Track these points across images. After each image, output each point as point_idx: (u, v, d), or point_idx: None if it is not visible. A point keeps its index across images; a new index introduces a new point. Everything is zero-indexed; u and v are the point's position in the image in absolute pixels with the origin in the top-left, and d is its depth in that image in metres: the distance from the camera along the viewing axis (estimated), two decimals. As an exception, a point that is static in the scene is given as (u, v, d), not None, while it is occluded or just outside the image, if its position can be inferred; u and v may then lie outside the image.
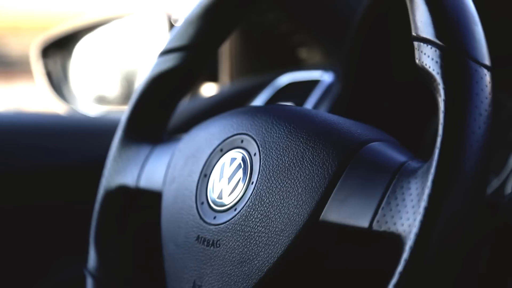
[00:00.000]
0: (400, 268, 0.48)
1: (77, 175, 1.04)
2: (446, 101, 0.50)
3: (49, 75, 1.37)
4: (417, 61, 0.53)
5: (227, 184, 0.61)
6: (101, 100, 1.40)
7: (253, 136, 0.61)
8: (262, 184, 0.58)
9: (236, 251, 0.58)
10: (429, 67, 0.52)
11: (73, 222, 1.00)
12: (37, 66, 1.37)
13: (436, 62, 0.51)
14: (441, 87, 0.51)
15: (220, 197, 0.61)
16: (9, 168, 1.01)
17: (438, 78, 0.51)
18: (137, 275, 0.72)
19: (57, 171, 1.04)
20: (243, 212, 0.58)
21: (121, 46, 1.37)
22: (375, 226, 0.51)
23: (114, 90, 1.39)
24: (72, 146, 1.07)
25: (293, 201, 0.56)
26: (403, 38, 0.74)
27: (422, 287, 0.49)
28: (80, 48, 1.37)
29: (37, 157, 1.04)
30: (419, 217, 0.48)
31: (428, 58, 0.52)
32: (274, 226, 0.56)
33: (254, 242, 0.57)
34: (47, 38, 1.37)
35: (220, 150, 0.63)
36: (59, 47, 1.37)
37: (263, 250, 0.56)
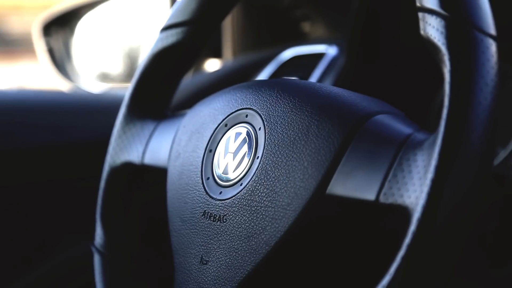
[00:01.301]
0: (407, 240, 0.48)
1: (81, 153, 1.04)
2: (451, 72, 0.50)
3: (51, 52, 1.37)
4: (422, 32, 0.52)
5: (233, 159, 0.60)
6: (104, 77, 1.40)
7: (257, 110, 0.61)
8: (267, 158, 0.58)
9: (243, 225, 0.58)
10: (434, 37, 0.51)
11: (79, 200, 1.00)
12: (39, 44, 1.37)
13: (441, 32, 0.51)
14: (446, 58, 0.50)
15: (225, 172, 0.61)
16: (13, 146, 1.01)
17: (444, 48, 0.51)
18: (143, 251, 0.72)
19: (61, 148, 1.04)
20: (249, 187, 0.58)
21: (123, 23, 1.36)
22: (382, 199, 0.51)
23: (117, 67, 1.38)
24: (76, 123, 1.06)
25: (299, 175, 0.56)
26: (406, 11, 0.74)
27: (430, 258, 0.49)
28: (82, 25, 1.36)
29: (41, 135, 1.04)
30: (426, 189, 0.48)
31: (433, 28, 0.51)
32: (280, 200, 0.56)
33: (261, 216, 0.57)
34: (49, 16, 1.36)
35: (225, 125, 0.63)
36: (61, 25, 1.37)
37: (269, 224, 0.56)
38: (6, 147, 1.01)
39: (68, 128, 1.05)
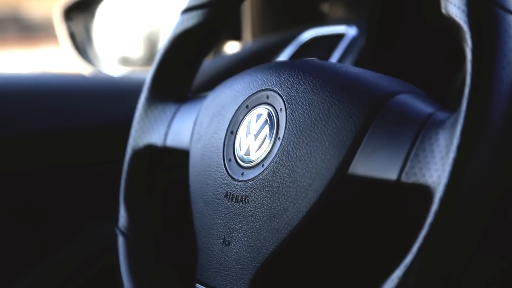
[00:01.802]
0: (430, 219, 0.48)
1: (104, 136, 1.04)
2: (473, 50, 0.49)
3: (72, 37, 1.37)
4: (443, 10, 0.52)
5: (254, 141, 0.60)
6: (125, 61, 1.40)
7: (278, 91, 0.60)
8: (289, 139, 0.58)
9: (265, 206, 0.58)
10: (456, 15, 0.51)
11: (102, 183, 1.01)
12: (60, 28, 1.37)
13: (463, 10, 0.50)
14: (468, 36, 0.50)
15: (247, 153, 0.61)
16: (35, 130, 1.02)
17: (465, 26, 0.50)
18: (166, 233, 0.73)
19: (84, 132, 1.04)
20: (271, 168, 0.58)
21: (144, 6, 1.36)
22: (403, 178, 0.51)
23: (137, 50, 1.38)
24: (98, 107, 1.07)
25: (320, 155, 0.56)
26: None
27: (452, 237, 0.49)
28: (103, 9, 1.36)
29: (64, 119, 1.04)
30: (448, 168, 0.48)
31: (454, 6, 0.51)
32: (302, 181, 0.56)
33: (283, 197, 0.57)
34: (69, 0, 1.36)
35: (246, 107, 0.63)
36: (82, 9, 1.37)
37: (291, 205, 0.56)
38: (29, 131, 1.01)
39: (90, 112, 1.06)
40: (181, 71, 0.73)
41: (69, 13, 1.37)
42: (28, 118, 1.02)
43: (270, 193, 0.58)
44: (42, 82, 1.10)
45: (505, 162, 0.50)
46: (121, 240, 0.72)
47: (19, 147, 1.01)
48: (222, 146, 0.63)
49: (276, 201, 0.57)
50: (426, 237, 0.48)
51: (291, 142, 0.58)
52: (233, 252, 0.60)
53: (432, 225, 0.48)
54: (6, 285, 1.00)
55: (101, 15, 1.37)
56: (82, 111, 1.06)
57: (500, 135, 0.49)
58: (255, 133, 0.61)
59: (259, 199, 0.58)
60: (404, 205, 0.59)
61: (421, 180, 0.50)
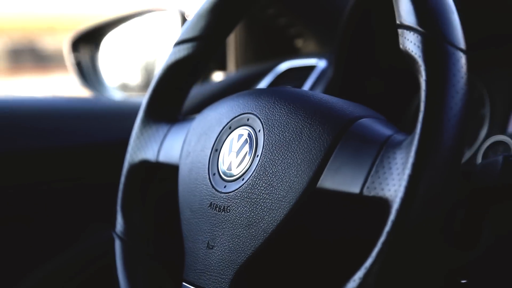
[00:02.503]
0: (387, 228, 0.48)
1: (104, 152, 1.03)
2: (427, 81, 0.49)
3: (79, 65, 1.37)
4: (401, 46, 0.52)
5: (235, 157, 0.60)
6: (124, 87, 1.39)
7: (257, 115, 0.60)
8: (266, 156, 0.57)
9: (244, 215, 0.57)
10: (412, 51, 0.51)
11: (102, 193, 0.99)
12: (69, 58, 1.37)
13: (418, 46, 0.51)
14: (422, 69, 0.50)
15: (229, 168, 0.60)
16: (45, 146, 1.01)
17: (420, 60, 0.50)
18: (158, 238, 0.72)
19: (86, 148, 1.03)
20: (250, 182, 0.58)
21: (141, 40, 1.36)
22: (365, 192, 0.51)
23: (135, 78, 1.38)
24: (99, 126, 1.06)
25: (293, 171, 0.55)
26: (386, 29, 0.73)
27: (407, 244, 0.48)
28: (106, 42, 1.36)
29: (70, 136, 1.03)
30: (404, 183, 0.48)
31: (411, 43, 0.51)
32: (277, 193, 0.56)
33: (260, 207, 0.56)
34: (77, 34, 1.36)
35: (229, 128, 0.62)
36: (88, 41, 1.37)
37: (267, 214, 0.56)
38: (38, 147, 1.00)
39: (92, 131, 1.05)
40: (173, 96, 0.73)
41: (76, 45, 1.37)
42: (39, 135, 1.02)
43: (249, 203, 0.57)
44: (51, 104, 1.09)
45: (452, 178, 0.50)
46: (118, 244, 0.71)
47: (32, 161, 1.00)
48: (207, 162, 0.62)
49: (254, 210, 0.57)
50: (384, 243, 0.48)
51: (268, 159, 0.57)
52: (215, 255, 0.59)
53: (389, 233, 0.48)
54: (16, 282, 0.99)
55: (104, 47, 1.36)
56: (85, 130, 1.05)
57: (449, 155, 0.49)
58: (236, 150, 0.60)
59: (239, 208, 0.58)
60: (366, 215, 0.58)
61: (380, 194, 0.50)
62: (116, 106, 1.15)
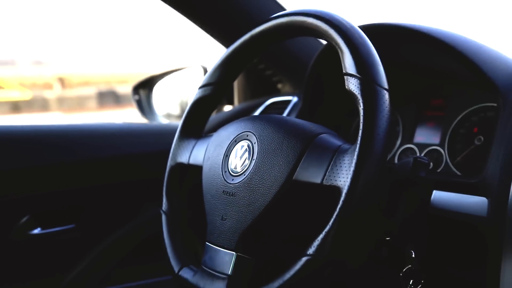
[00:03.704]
0: (339, 205, 0.47)
1: (155, 158, 1.02)
2: (364, 109, 0.49)
3: (139, 103, 1.36)
4: (346, 87, 0.51)
5: (239, 160, 0.59)
6: (168, 116, 1.38)
7: (254, 132, 0.59)
8: (259, 159, 0.56)
9: (245, 198, 0.56)
10: (354, 90, 0.50)
11: (153, 184, 0.98)
12: (133, 98, 1.36)
13: (357, 87, 0.50)
14: (361, 102, 0.49)
15: (235, 168, 0.59)
16: (115, 154, 0.99)
17: (359, 96, 0.50)
18: (190, 214, 0.70)
19: (144, 156, 1.02)
20: (249, 176, 0.56)
21: (179, 85, 1.35)
22: (324, 182, 0.50)
23: (175, 110, 1.37)
24: (152, 141, 1.05)
25: (277, 169, 0.54)
26: (335, 77, 0.72)
27: (353, 216, 0.48)
28: (157, 87, 1.36)
29: (132, 148, 1.02)
30: (350, 176, 0.47)
31: (352, 85, 0.50)
32: (267, 183, 0.55)
33: (255, 193, 0.55)
34: (138, 82, 1.36)
35: (235, 141, 0.61)
36: (145, 87, 1.36)
37: (261, 197, 0.55)
38: (110, 155, 0.99)
39: (146, 144, 1.04)
40: (198, 120, 0.71)
41: (137, 90, 1.36)
42: (114, 147, 1.00)
43: (248, 190, 0.56)
44: (123, 127, 1.08)
45: (380, 171, 0.49)
46: (164, 218, 0.69)
47: (106, 165, 0.98)
48: (221, 164, 0.61)
49: (252, 195, 0.56)
50: (337, 215, 0.47)
51: (260, 161, 0.56)
52: (227, 225, 0.58)
53: (340, 209, 0.47)
54: (88, 249, 0.96)
55: (156, 90, 1.35)
56: (142, 143, 1.04)
57: (379, 157, 0.48)
58: (240, 156, 0.59)
59: (242, 194, 0.57)
60: (325, 200, 0.57)
61: (334, 183, 0.49)
62: (162, 127, 1.13)
